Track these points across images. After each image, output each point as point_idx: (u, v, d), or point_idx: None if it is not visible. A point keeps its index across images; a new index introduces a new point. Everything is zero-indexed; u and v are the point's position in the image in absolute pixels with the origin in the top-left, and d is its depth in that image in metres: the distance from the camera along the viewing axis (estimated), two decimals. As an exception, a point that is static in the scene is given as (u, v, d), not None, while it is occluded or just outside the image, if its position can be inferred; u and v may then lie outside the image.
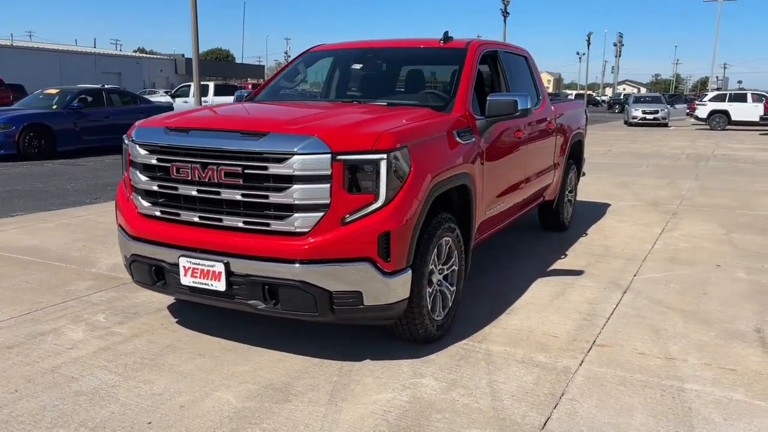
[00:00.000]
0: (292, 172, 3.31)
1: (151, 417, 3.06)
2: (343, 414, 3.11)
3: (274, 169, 3.33)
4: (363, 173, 3.35)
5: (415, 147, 3.56)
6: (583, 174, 8.29)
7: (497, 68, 5.28)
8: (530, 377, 3.54)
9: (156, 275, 3.79)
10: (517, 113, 4.41)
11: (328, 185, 3.31)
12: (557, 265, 5.87)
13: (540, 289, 5.13)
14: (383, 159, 3.34)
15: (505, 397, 3.31)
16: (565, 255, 6.24)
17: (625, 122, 33.82)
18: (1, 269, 5.48)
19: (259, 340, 3.99)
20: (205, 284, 3.55)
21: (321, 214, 3.33)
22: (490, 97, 4.45)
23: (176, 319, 4.35)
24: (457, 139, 4.08)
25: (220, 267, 3.47)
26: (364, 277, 3.37)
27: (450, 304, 4.13)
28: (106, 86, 17.70)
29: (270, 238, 3.42)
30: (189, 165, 3.56)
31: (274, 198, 3.37)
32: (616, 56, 70.51)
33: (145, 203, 3.82)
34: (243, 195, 3.44)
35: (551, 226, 7.21)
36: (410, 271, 3.54)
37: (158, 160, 3.69)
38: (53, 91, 15.37)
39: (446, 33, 5.01)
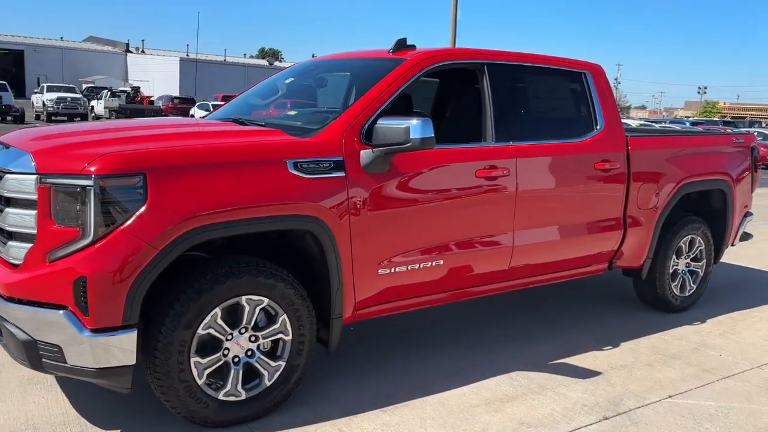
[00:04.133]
0: (4, 192, 2.88)
1: None
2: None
3: (-2, 188, 2.93)
4: (69, 201, 2.74)
5: (165, 175, 2.80)
6: (748, 237, 5.97)
7: (483, 87, 4.00)
8: None
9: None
10: (408, 144, 3.24)
11: (34, 212, 2.79)
12: (576, 358, 4.22)
13: (493, 386, 3.72)
14: (90, 186, 2.69)
15: None
16: (614, 346, 4.47)
17: None
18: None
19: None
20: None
21: (29, 245, 2.81)
22: (379, 121, 3.36)
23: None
24: (294, 171, 3.13)
25: None
26: (61, 329, 2.74)
27: (269, 383, 3.21)
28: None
29: (3, 266, 3.01)
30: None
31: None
32: None
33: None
34: (-8, 214, 3.10)
35: (649, 301, 5.32)
36: (134, 332, 2.79)
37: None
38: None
39: (400, 40, 3.97)
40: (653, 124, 30.80)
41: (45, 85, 36.09)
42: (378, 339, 4.36)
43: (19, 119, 29.86)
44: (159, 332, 2.87)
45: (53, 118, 31.67)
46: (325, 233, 3.22)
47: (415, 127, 3.23)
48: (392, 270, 3.55)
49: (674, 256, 5.16)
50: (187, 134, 3.42)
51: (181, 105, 37.37)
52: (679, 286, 5.26)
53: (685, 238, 5.19)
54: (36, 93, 36.43)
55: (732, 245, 5.78)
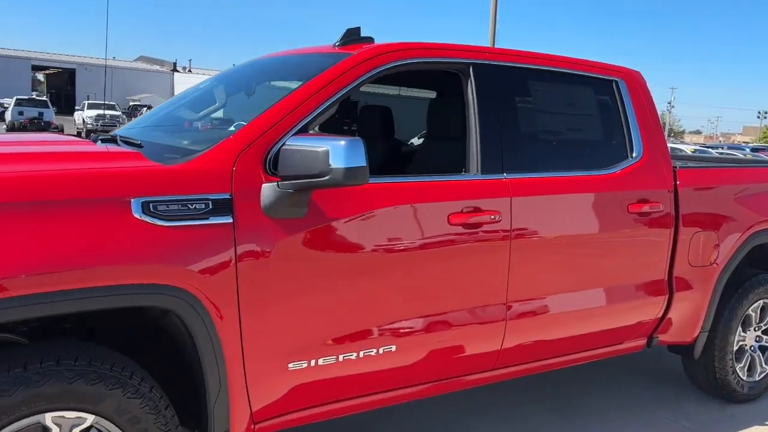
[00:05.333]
0: None
1: None
2: None
3: None
4: None
5: None
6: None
7: (467, 96, 2.84)
8: None
9: None
10: (326, 177, 2.11)
11: None
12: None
13: None
14: None
15: None
16: (654, 460, 3.20)
17: None
18: None
19: None
20: None
21: None
22: (288, 141, 2.24)
23: None
24: (142, 215, 2.02)
25: None
26: None
27: None
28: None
29: None
30: None
31: None
32: None
33: None
34: None
35: (705, 387, 4.01)
36: None
37: None
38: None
39: (351, 30, 2.85)
40: (710, 149, 28.86)
41: (86, 102, 36.33)
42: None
43: (58, 136, 29.94)
44: None
45: (92, 135, 31.70)
46: (195, 312, 2.10)
47: (337, 150, 2.10)
48: (312, 363, 2.39)
49: (740, 328, 3.85)
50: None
51: (216, 122, 37.10)
52: (746, 367, 3.94)
53: (755, 304, 3.88)
54: (78, 110, 36.73)
55: (816, 310, 4.42)
